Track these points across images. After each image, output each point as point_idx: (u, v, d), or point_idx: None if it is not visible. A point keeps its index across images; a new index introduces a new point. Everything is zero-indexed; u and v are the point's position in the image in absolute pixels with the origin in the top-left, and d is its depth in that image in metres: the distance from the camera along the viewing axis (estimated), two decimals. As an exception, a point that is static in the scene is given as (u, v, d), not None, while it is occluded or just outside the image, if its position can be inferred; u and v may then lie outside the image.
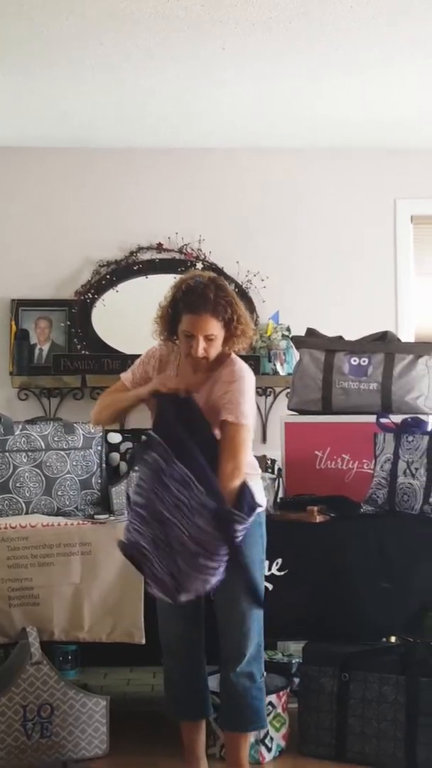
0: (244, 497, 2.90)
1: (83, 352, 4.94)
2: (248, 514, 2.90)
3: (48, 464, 3.81)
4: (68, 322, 5.02)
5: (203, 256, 5.04)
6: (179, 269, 4.72)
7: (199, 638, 3.21)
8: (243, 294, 5.00)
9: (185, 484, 2.81)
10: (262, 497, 3.19)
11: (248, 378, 3.07)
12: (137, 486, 2.92)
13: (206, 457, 2.88)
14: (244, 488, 2.92)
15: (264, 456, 3.99)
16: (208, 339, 3.00)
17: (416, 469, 3.54)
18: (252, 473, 3.13)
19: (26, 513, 3.72)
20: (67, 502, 3.81)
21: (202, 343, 3.00)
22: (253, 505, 2.93)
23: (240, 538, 2.88)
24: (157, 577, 2.88)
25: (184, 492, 2.81)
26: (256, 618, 3.11)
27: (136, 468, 2.95)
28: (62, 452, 3.85)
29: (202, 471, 2.84)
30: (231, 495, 2.89)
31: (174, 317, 3.07)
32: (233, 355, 3.12)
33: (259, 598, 3.05)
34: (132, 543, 2.92)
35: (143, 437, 3.06)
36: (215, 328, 3.00)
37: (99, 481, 3.88)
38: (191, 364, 3.07)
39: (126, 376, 3.22)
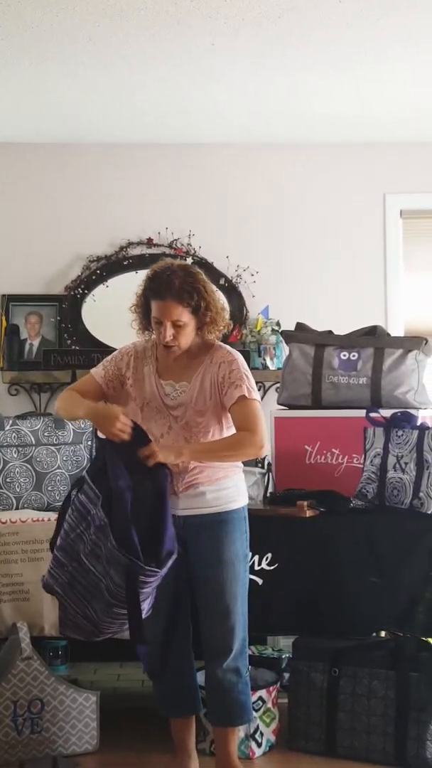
0: (164, 538, 2.81)
1: (73, 347, 4.94)
2: (163, 561, 2.79)
3: (38, 459, 3.81)
4: (58, 317, 5.01)
5: (193, 251, 5.04)
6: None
7: (186, 634, 3.21)
8: (233, 289, 5.02)
9: (103, 530, 2.77)
10: (245, 492, 3.20)
11: (242, 357, 3.14)
12: (63, 529, 2.91)
13: (154, 487, 2.86)
14: (165, 530, 2.83)
15: (254, 451, 3.99)
16: (176, 325, 3.02)
17: (406, 463, 3.54)
18: (235, 467, 3.16)
19: (16, 508, 3.73)
20: (58, 497, 3.80)
21: (170, 330, 3.01)
22: (171, 551, 2.82)
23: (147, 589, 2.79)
24: (70, 620, 2.89)
25: (102, 538, 2.77)
26: (241, 613, 3.12)
27: (69, 510, 2.91)
28: (52, 447, 3.85)
29: (123, 521, 2.76)
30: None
31: (146, 305, 3.09)
32: (217, 342, 3.16)
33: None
34: (46, 584, 2.95)
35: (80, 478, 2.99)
36: (182, 315, 3.01)
37: (89, 476, 3.88)
38: (165, 352, 3.09)
39: (97, 371, 3.19)
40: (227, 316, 3.21)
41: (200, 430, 3.06)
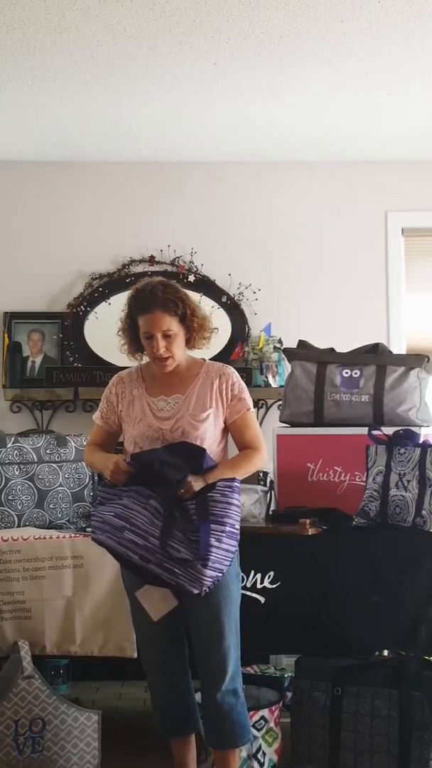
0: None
1: (76, 364, 4.95)
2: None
3: (40, 477, 3.80)
4: (61, 335, 5.02)
5: (195, 269, 5.05)
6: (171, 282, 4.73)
7: (182, 654, 3.18)
8: (235, 306, 5.02)
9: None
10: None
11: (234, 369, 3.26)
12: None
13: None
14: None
15: (256, 468, 3.99)
16: (167, 336, 3.08)
17: (408, 481, 3.53)
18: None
19: (18, 526, 3.72)
20: (60, 515, 3.80)
21: (162, 342, 3.07)
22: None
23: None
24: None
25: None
26: (235, 632, 3.08)
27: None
28: (54, 465, 3.84)
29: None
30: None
31: (133, 326, 3.16)
32: (207, 360, 3.26)
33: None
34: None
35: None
36: (171, 324, 3.09)
37: (91, 493, 3.88)
38: (159, 367, 3.13)
39: (97, 417, 3.29)
40: (212, 323, 3.27)
41: (195, 442, 3.07)
